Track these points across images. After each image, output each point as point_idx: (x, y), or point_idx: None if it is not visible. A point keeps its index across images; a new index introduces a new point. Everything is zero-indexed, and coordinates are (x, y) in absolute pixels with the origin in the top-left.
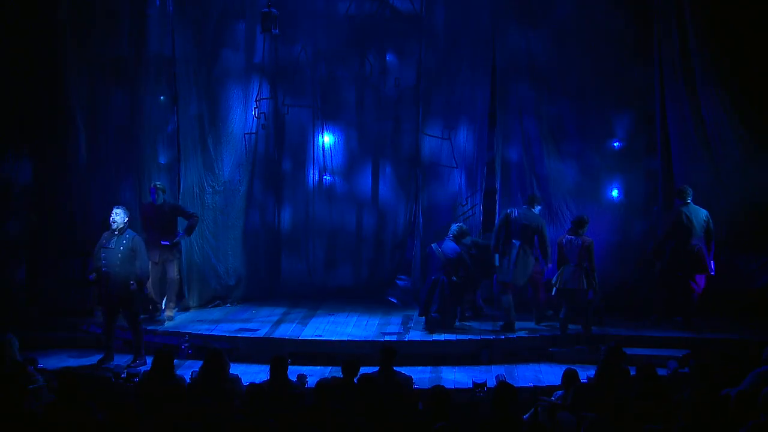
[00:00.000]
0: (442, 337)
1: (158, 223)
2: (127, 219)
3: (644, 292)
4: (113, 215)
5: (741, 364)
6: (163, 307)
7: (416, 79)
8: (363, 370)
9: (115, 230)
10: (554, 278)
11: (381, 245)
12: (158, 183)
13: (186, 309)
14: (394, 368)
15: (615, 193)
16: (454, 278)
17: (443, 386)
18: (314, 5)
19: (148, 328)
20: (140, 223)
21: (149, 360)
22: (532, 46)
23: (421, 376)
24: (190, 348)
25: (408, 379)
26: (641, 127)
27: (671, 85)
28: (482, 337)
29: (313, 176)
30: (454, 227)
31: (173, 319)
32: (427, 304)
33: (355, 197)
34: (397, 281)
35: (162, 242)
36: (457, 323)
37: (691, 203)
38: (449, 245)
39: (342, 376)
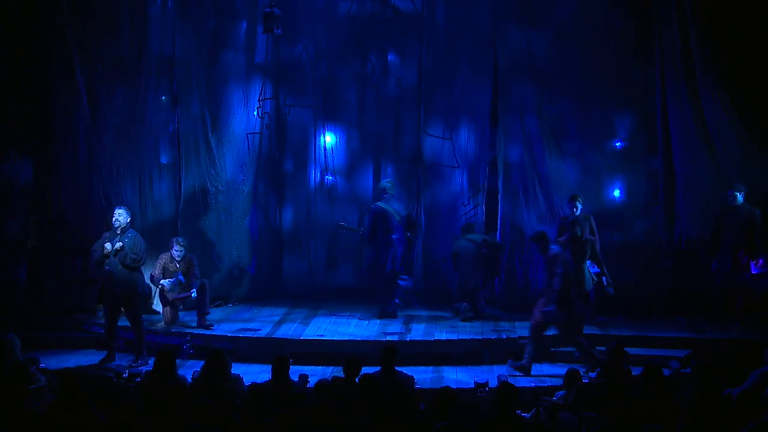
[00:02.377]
0: (444, 336)
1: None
2: (129, 219)
3: (645, 291)
4: (116, 215)
5: (743, 364)
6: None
7: (417, 78)
8: (364, 370)
9: (117, 230)
10: None
11: None
12: (180, 239)
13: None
14: (396, 368)
15: (617, 192)
16: (408, 234)
17: (450, 387)
18: (315, 5)
19: (150, 328)
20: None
21: (151, 360)
22: (533, 45)
23: (422, 376)
24: (192, 348)
25: (410, 379)
26: (642, 126)
27: (672, 84)
28: (484, 336)
29: (314, 176)
30: (385, 182)
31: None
32: (393, 265)
33: (357, 197)
34: (399, 281)
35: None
36: (459, 322)
37: None
38: (397, 204)
39: (343, 375)
